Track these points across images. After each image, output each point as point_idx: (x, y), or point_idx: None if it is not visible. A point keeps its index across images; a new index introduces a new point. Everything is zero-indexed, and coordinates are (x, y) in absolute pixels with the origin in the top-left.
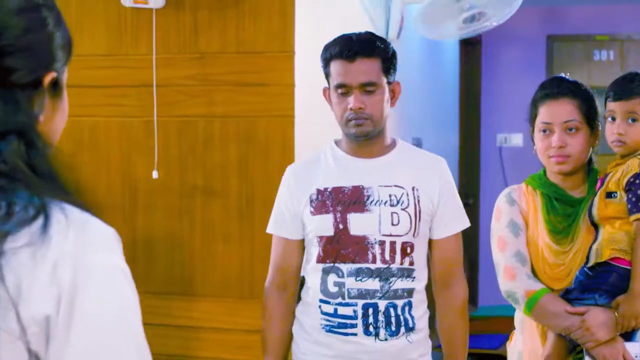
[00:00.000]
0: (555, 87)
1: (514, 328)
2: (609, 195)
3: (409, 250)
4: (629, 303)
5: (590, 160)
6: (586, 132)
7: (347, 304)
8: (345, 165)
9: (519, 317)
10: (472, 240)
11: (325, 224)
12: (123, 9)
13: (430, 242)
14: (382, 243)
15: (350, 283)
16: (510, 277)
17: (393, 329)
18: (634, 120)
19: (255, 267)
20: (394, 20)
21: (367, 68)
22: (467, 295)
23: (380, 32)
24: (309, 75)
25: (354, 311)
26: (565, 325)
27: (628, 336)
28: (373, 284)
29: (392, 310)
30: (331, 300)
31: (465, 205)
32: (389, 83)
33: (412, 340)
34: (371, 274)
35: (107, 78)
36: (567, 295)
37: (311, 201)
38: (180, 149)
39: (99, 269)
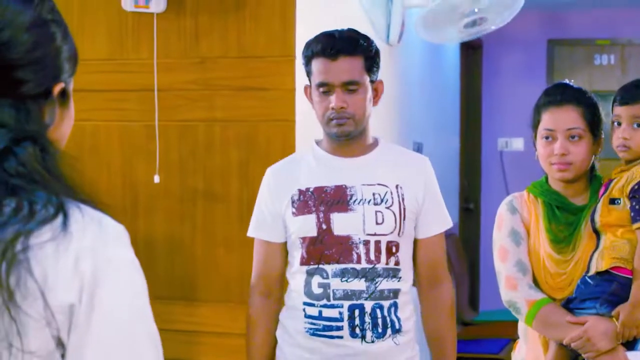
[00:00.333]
0: (559, 94)
1: (516, 332)
2: (612, 201)
3: (394, 249)
4: (630, 312)
5: (592, 168)
6: (589, 140)
7: (332, 306)
8: (327, 165)
9: (522, 326)
10: (473, 245)
11: (307, 225)
12: (124, 13)
13: (414, 241)
14: (366, 243)
15: (336, 284)
16: (511, 287)
17: (380, 330)
18: (639, 125)
19: None
20: (395, 24)
21: (349, 66)
22: (454, 295)
23: (381, 37)
24: None
25: (340, 313)
26: (566, 336)
27: (630, 345)
28: (359, 284)
29: (378, 311)
30: (316, 303)
31: (466, 209)
32: (371, 82)
33: (398, 342)
34: (357, 274)
35: (108, 82)
36: (568, 305)
37: (293, 202)
38: (181, 153)
39: (115, 262)
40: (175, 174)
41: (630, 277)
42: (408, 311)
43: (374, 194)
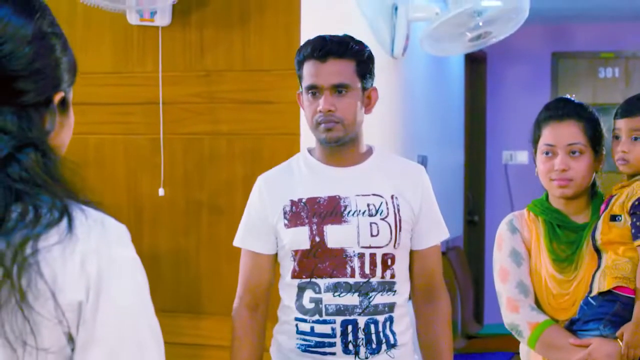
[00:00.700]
0: (560, 109)
1: (519, 346)
2: (613, 218)
3: (389, 262)
4: (634, 332)
5: (594, 184)
6: (590, 156)
7: (324, 322)
8: (320, 175)
9: (525, 349)
10: (478, 257)
11: (300, 237)
12: (129, 26)
13: (410, 253)
14: (361, 255)
15: (328, 299)
16: (513, 309)
17: (374, 346)
18: (636, 138)
19: None
20: (400, 37)
21: (339, 69)
22: (451, 308)
23: (385, 50)
24: None
25: (332, 329)
26: (570, 359)
27: None
28: (352, 299)
29: (372, 326)
30: (308, 318)
31: (471, 222)
32: (364, 88)
33: (393, 356)
34: (350, 288)
35: (113, 95)
36: (571, 326)
37: (285, 213)
38: (186, 166)
39: (119, 262)
40: (180, 187)
41: (633, 296)
42: (404, 324)
43: (368, 205)
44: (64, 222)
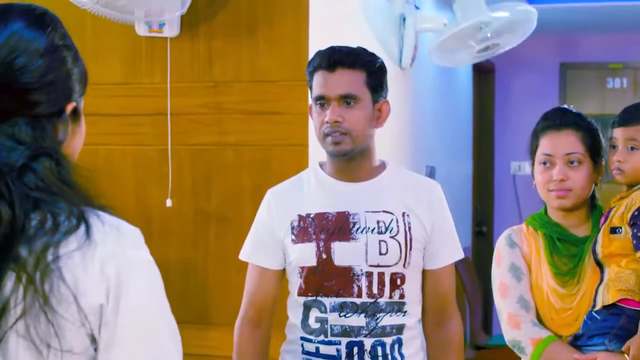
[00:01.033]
0: (557, 118)
1: None
2: (614, 230)
3: (399, 281)
4: None
5: (593, 197)
6: (589, 166)
7: (329, 342)
8: (330, 190)
9: None
10: (486, 268)
11: (307, 254)
12: (138, 38)
13: (422, 272)
14: (369, 274)
15: (333, 319)
16: (514, 325)
17: None
18: (632, 148)
19: None
20: (408, 48)
21: (347, 79)
22: (462, 331)
23: (393, 61)
24: None
25: (337, 350)
26: None
27: None
28: (358, 320)
29: (379, 349)
30: (313, 338)
31: (479, 233)
32: (375, 101)
33: None
34: (356, 309)
35: (121, 106)
36: (575, 342)
37: (292, 228)
38: (194, 177)
39: (136, 264)
40: (189, 197)
41: (639, 309)
42: (415, 347)
43: (378, 222)
44: (82, 229)
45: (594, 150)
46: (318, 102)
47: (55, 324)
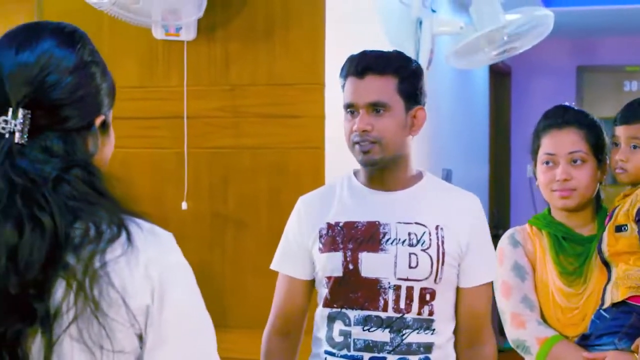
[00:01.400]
0: (559, 116)
1: None
2: (619, 229)
3: (428, 297)
4: None
5: (598, 197)
6: (593, 165)
7: (352, 357)
8: (361, 198)
9: None
10: None
11: (333, 263)
12: (155, 41)
13: (456, 290)
14: (397, 288)
15: (357, 332)
16: (518, 325)
17: None
18: (635, 146)
19: None
20: (424, 51)
21: (377, 86)
22: (496, 355)
23: None
24: (339, 107)
25: None
26: None
27: None
28: (382, 335)
29: None
30: (336, 352)
31: (495, 237)
32: (409, 108)
33: None
34: (380, 323)
35: (138, 110)
36: (583, 342)
37: (320, 236)
38: (210, 180)
39: (175, 266)
40: (205, 201)
41: None
42: None
43: (409, 234)
44: (124, 236)
45: (598, 149)
46: (348, 109)
47: (107, 326)
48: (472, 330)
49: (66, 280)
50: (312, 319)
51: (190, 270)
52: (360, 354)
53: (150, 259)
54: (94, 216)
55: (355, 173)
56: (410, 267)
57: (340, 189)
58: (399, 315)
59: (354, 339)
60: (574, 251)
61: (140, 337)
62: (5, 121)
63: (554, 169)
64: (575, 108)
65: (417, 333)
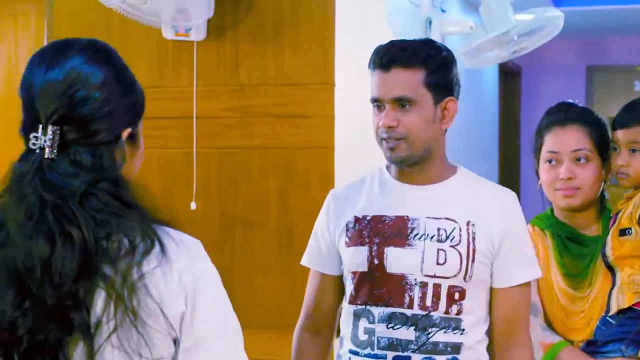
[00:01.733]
0: (562, 113)
1: None
2: (623, 232)
3: (457, 296)
4: None
5: (602, 197)
6: (597, 163)
7: (375, 356)
8: (391, 192)
9: None
10: None
11: (358, 258)
12: (164, 41)
13: (491, 291)
14: (423, 285)
15: (381, 330)
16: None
17: None
18: (634, 150)
19: (295, 298)
20: None
21: (402, 80)
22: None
23: None
24: (348, 106)
25: None
26: None
27: None
28: (407, 333)
29: None
30: (360, 351)
31: None
32: (438, 101)
33: None
34: (405, 320)
35: (148, 110)
36: (589, 348)
37: (347, 230)
38: (219, 180)
39: (204, 273)
40: (214, 200)
41: None
42: None
43: (438, 229)
44: (157, 248)
45: (603, 146)
46: (374, 104)
47: (146, 335)
48: (506, 334)
49: (106, 291)
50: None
51: (217, 274)
52: (384, 352)
53: (183, 268)
54: (124, 228)
55: (388, 166)
56: (438, 263)
57: (370, 183)
58: (424, 313)
59: (377, 337)
60: (579, 252)
61: (175, 341)
62: (36, 137)
63: (558, 168)
64: (579, 105)
65: (445, 332)
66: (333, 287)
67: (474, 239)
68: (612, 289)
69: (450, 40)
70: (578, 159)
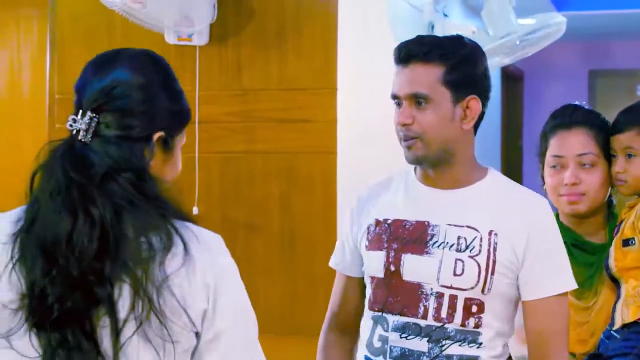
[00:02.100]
0: (567, 116)
1: None
2: (626, 242)
3: (475, 309)
4: None
5: (610, 203)
6: (603, 168)
7: None
8: (414, 195)
9: None
10: None
11: (376, 263)
12: (167, 46)
13: (522, 304)
14: (439, 295)
15: (394, 339)
16: (524, 341)
17: None
18: (630, 155)
19: (297, 303)
20: None
21: (419, 76)
22: None
23: None
24: (351, 111)
25: None
26: None
27: None
28: (420, 344)
29: None
30: (373, 358)
31: None
32: (458, 99)
33: None
34: (419, 331)
35: None
36: None
37: (368, 233)
38: (222, 184)
39: (226, 268)
40: (216, 206)
41: None
42: None
43: (459, 238)
44: (181, 247)
45: (609, 150)
46: (394, 100)
47: (169, 329)
48: (539, 348)
49: (132, 287)
50: None
51: (236, 268)
52: None
53: (205, 266)
54: (148, 225)
55: (415, 167)
56: (455, 274)
57: (397, 184)
58: (439, 324)
59: (390, 346)
60: (585, 260)
61: (197, 334)
62: (74, 120)
63: (562, 173)
64: (586, 107)
65: (460, 345)
66: (357, 289)
67: (495, 249)
68: (616, 301)
69: None
70: (583, 164)
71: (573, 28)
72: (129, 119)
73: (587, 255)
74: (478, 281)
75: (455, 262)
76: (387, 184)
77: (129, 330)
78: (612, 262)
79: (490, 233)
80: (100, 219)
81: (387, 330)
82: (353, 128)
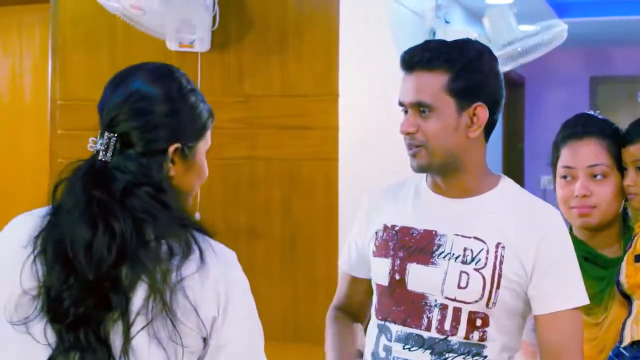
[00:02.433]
0: (579, 126)
1: None
2: (638, 258)
3: (479, 322)
4: None
5: (626, 214)
6: (616, 180)
7: None
8: (424, 203)
9: None
10: None
11: (381, 270)
12: (169, 52)
13: (534, 318)
14: (443, 307)
15: (397, 350)
16: (530, 355)
17: None
18: (639, 168)
19: (299, 309)
20: None
21: (422, 84)
22: None
23: None
24: (352, 118)
25: None
26: None
27: None
28: (423, 356)
29: None
30: None
31: None
32: (463, 107)
33: None
34: (422, 343)
35: None
36: None
37: (376, 238)
38: (224, 191)
39: (237, 283)
40: (218, 211)
41: None
42: None
43: (465, 250)
44: (197, 254)
45: (622, 161)
46: (401, 108)
47: (179, 330)
48: None
49: (149, 286)
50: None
51: (247, 284)
52: None
53: (218, 276)
54: (169, 232)
55: (426, 174)
56: (459, 286)
57: (408, 189)
58: (442, 337)
59: (394, 357)
60: (596, 274)
61: (205, 340)
62: (94, 141)
63: (573, 184)
64: (599, 117)
65: (464, 358)
66: (365, 289)
67: (501, 262)
68: (627, 318)
69: None
70: (594, 175)
71: (574, 34)
72: (155, 132)
73: (598, 269)
74: (482, 295)
75: (460, 275)
76: (399, 188)
77: (138, 324)
78: (623, 278)
79: (497, 245)
80: (121, 232)
81: (390, 340)
82: (354, 134)
